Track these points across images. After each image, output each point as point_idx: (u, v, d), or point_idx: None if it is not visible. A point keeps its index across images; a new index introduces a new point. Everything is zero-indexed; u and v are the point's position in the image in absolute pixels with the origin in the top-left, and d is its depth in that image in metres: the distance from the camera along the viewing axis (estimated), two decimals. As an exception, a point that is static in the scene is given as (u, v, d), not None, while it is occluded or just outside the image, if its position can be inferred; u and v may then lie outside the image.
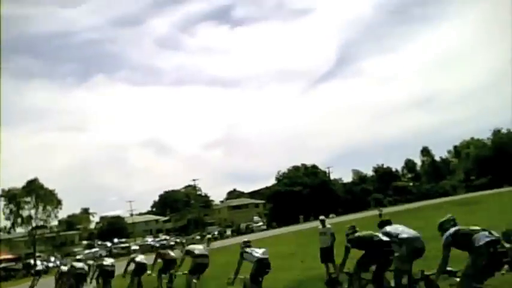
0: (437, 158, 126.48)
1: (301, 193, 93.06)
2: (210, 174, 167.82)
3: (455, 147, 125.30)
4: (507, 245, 13.09)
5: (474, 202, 50.38)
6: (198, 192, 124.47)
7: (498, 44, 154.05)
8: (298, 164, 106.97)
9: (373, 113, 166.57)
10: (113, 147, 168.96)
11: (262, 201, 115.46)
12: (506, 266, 12.58)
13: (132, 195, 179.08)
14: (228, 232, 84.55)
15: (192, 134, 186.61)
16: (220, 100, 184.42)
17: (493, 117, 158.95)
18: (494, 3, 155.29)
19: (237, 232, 79.69)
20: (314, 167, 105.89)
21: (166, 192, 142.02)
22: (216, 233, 78.93)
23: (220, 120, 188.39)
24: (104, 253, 64.17)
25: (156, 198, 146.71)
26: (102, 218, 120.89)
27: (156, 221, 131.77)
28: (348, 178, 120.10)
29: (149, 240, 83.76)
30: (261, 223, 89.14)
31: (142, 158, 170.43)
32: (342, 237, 16.54)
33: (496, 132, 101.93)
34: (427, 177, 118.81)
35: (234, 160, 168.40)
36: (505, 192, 61.57)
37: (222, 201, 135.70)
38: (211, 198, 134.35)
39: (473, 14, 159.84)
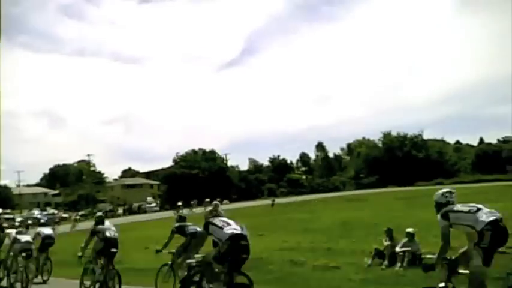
0: (330, 154, 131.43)
1: (197, 177, 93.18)
2: (106, 151, 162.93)
3: (348, 145, 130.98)
4: (386, 243, 14.15)
5: (361, 199, 52.99)
6: (92, 168, 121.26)
7: (398, 46, 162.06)
8: (197, 148, 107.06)
9: (273, 105, 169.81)
10: (4, 113, 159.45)
11: (157, 182, 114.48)
12: (386, 261, 13.62)
13: (21, 166, 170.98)
14: (120, 211, 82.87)
15: (90, 108, 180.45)
16: (122, 76, 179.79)
17: (385, 119, 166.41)
18: (390, 4, 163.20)
19: (129, 211, 78.42)
20: (212, 152, 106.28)
21: (57, 166, 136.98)
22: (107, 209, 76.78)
23: (120, 96, 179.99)
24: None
25: (47, 171, 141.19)
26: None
27: (45, 194, 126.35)
28: (244, 166, 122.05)
29: (36, 213, 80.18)
30: (154, 204, 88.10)
31: (34, 128, 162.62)
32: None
33: (387, 135, 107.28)
34: (320, 172, 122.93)
35: (132, 138, 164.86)
36: (390, 192, 65.29)
37: (116, 179, 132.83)
38: (105, 176, 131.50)
39: (374, 13, 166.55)
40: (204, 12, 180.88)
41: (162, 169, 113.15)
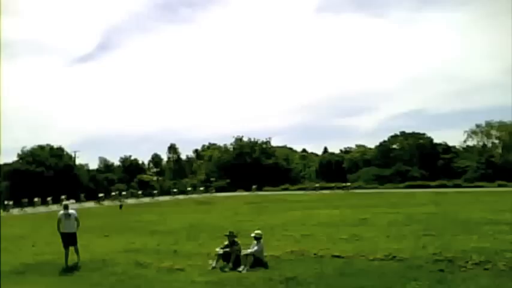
0: (183, 157, 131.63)
1: (42, 174, 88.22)
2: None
3: (200, 148, 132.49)
4: (221, 248, 14.48)
5: (211, 202, 53.79)
6: None
7: (253, 51, 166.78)
8: (44, 143, 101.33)
9: (127, 103, 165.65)
10: None
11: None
12: (230, 264, 13.93)
13: None
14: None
15: None
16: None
17: (236, 124, 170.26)
18: (247, 8, 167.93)
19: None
20: (60, 149, 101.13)
21: None
22: None
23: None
24: None
25: None
26: None
27: None
28: (94, 165, 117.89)
29: None
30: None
31: None
32: (83, 222, 16.54)
33: (238, 140, 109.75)
34: (171, 174, 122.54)
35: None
36: (239, 196, 66.98)
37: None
38: None
39: (231, 17, 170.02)
40: (58, 2, 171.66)
41: (5, 164, 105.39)
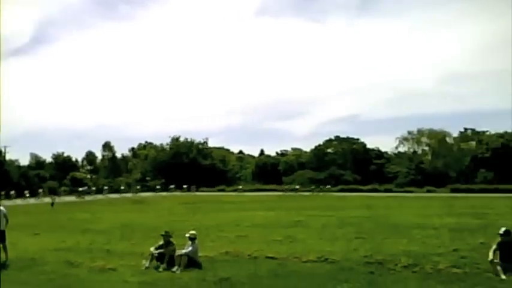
0: (118, 155, 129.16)
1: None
2: None
3: (136, 147, 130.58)
4: (155, 249, 14.37)
5: (145, 202, 53.13)
6: None
7: (192, 51, 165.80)
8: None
9: (61, 99, 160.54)
10: None
11: None
12: (164, 264, 13.82)
13: None
14: None
15: None
16: None
17: (173, 124, 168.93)
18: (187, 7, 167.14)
19: None
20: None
21: None
22: None
23: None
24: None
25: None
26: None
27: None
28: (25, 161, 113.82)
29: None
30: None
31: None
32: (12, 219, 15.98)
33: (175, 140, 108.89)
34: (106, 172, 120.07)
35: None
36: (174, 196, 66.53)
37: None
38: None
39: (171, 15, 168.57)
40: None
41: None
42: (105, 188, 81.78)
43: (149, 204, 49.13)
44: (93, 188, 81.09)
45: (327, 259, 14.39)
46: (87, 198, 66.66)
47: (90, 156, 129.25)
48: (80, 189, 73.99)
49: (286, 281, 11.90)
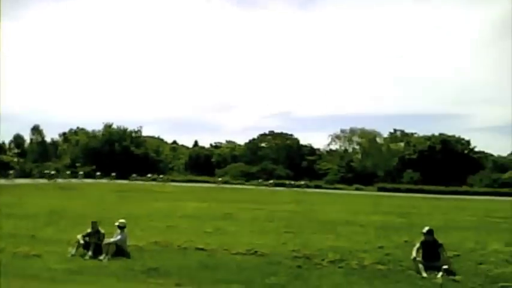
0: (48, 139, 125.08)
1: None
2: None
3: (66, 132, 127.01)
4: (81, 236, 14.15)
5: (75, 188, 51.82)
6: None
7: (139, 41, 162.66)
8: None
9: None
10: None
11: None
12: (90, 252, 13.61)
13: None
14: None
15: None
16: None
17: (106, 110, 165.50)
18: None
19: None
20: None
21: None
22: None
23: None
24: None
25: None
26: None
27: None
28: None
29: None
30: None
31: None
32: None
33: (107, 127, 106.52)
34: (34, 156, 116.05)
35: None
36: (105, 184, 65.24)
37: None
38: None
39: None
40: None
41: None
42: (34, 173, 79.01)
43: (78, 191, 47.97)
44: (21, 172, 78.12)
45: (256, 252, 14.60)
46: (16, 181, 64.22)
47: (18, 140, 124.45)
48: (11, 172, 71.13)
49: (215, 272, 12.01)
